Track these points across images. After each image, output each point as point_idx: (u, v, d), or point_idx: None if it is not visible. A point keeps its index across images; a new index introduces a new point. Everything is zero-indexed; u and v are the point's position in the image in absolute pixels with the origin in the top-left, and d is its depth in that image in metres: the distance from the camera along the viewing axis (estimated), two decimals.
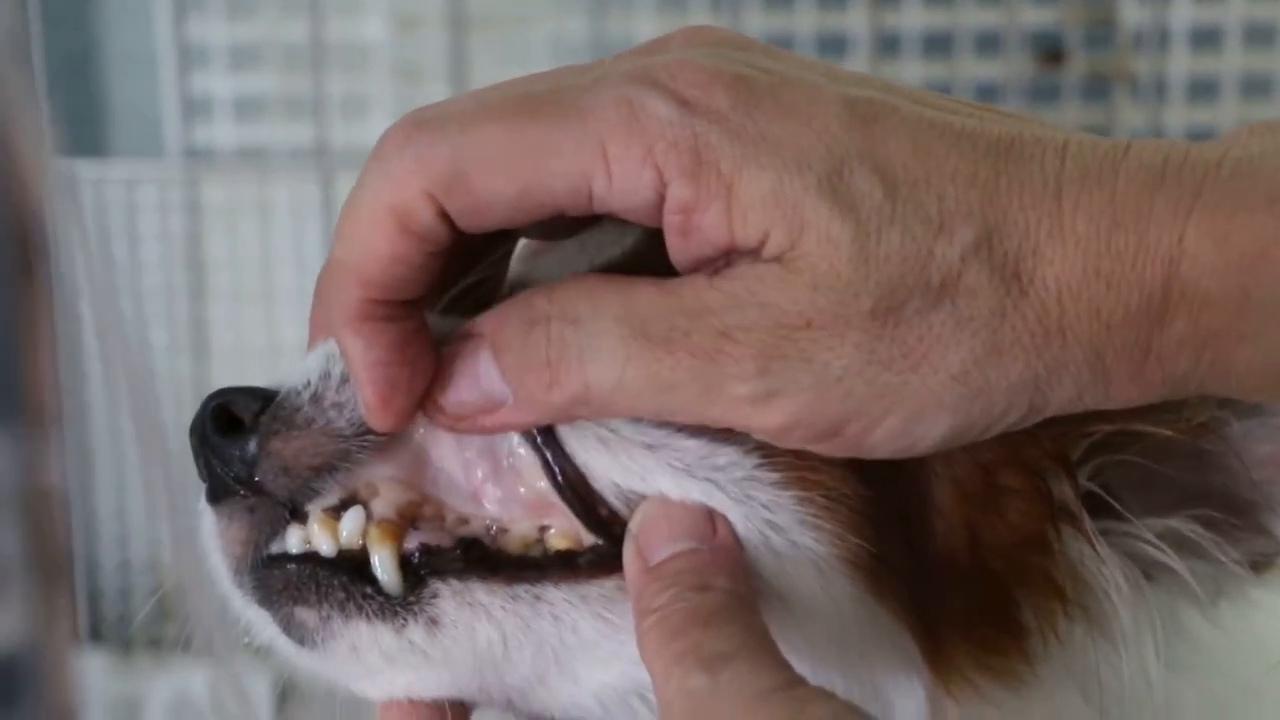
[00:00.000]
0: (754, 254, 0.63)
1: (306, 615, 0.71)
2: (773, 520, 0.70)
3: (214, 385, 0.80)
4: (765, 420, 0.64)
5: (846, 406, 0.63)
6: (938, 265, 0.62)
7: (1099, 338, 0.62)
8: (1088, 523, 0.73)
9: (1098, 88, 2.12)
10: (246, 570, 0.73)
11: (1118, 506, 0.74)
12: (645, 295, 0.65)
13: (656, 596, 0.66)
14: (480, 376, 0.67)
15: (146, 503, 1.84)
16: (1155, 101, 2.10)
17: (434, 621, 0.70)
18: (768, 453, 0.70)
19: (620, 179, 0.64)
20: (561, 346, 0.65)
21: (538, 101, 0.65)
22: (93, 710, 1.95)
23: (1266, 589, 0.78)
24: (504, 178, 0.64)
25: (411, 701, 0.72)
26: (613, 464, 0.70)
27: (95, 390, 2.05)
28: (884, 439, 0.64)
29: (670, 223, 0.64)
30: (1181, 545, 0.75)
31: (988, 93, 2.09)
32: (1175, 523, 0.74)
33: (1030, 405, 0.64)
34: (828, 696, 0.62)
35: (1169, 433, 0.72)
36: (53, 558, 0.36)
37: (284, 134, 2.10)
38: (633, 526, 0.69)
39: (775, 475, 0.70)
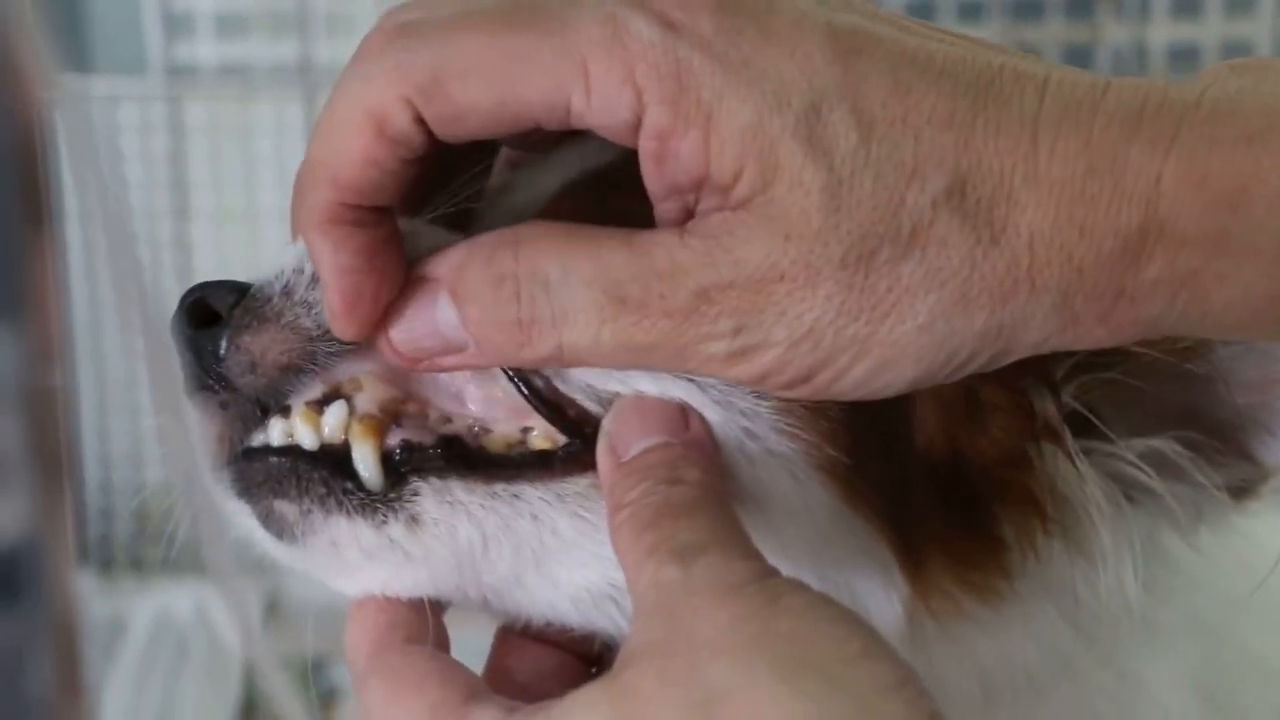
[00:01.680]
0: (725, 191, 0.63)
1: (286, 509, 0.71)
2: (750, 428, 0.70)
3: None
4: (740, 372, 0.64)
5: (816, 356, 0.64)
6: (909, 213, 0.62)
7: (1069, 283, 0.62)
8: (1069, 440, 0.73)
9: (1081, 4, 2.11)
10: (225, 463, 0.73)
11: (1100, 425, 0.74)
12: (616, 255, 0.65)
13: (629, 491, 0.66)
14: (438, 322, 0.67)
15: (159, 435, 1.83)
16: (1139, 17, 2.10)
17: (414, 519, 0.70)
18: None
19: (599, 97, 0.63)
20: (533, 309, 0.65)
21: (522, 13, 0.64)
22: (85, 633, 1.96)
23: (1246, 515, 0.79)
24: (483, 87, 0.64)
25: (386, 599, 0.72)
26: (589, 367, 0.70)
27: (78, 311, 2.05)
28: (851, 386, 0.65)
29: (646, 148, 0.64)
30: (1163, 468, 0.75)
31: (972, 9, 2.08)
32: (1158, 443, 0.75)
33: (994, 352, 0.64)
34: (801, 587, 0.62)
35: (1155, 354, 0.73)
36: (54, 454, 0.36)
37: (268, 51, 2.09)
38: (606, 423, 0.69)
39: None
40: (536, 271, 0.65)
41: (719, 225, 0.63)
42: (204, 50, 2.10)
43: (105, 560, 2.16)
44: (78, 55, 2.11)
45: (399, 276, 0.68)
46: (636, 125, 0.63)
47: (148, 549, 2.10)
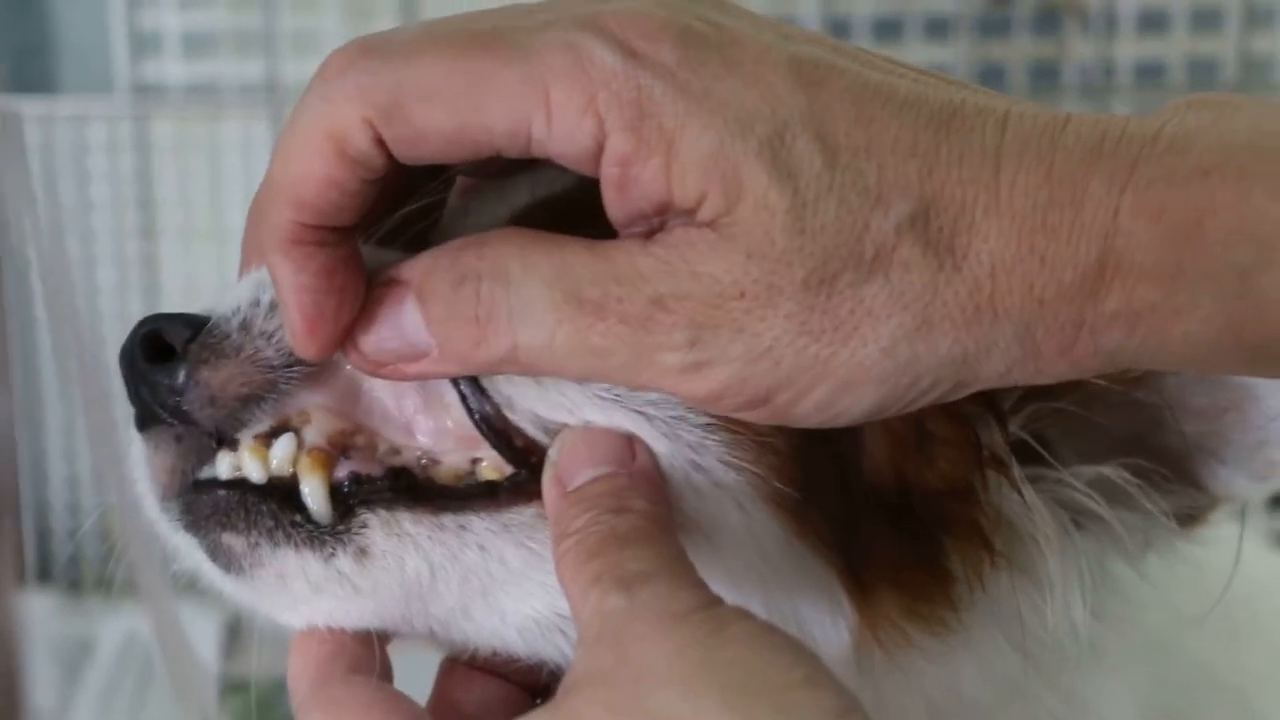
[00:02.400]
0: (689, 215, 0.63)
1: (234, 541, 0.71)
2: (697, 460, 0.70)
3: None
4: (694, 388, 0.64)
5: (775, 377, 0.63)
6: (872, 238, 0.62)
7: (1030, 313, 0.62)
8: (1016, 470, 0.73)
9: (1048, 21, 2.12)
10: (174, 496, 0.72)
11: (1046, 455, 0.74)
12: (578, 258, 0.65)
13: (574, 520, 0.66)
14: (404, 325, 0.67)
15: (92, 453, 1.83)
16: (1105, 34, 2.10)
17: (363, 551, 0.70)
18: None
19: (560, 124, 0.63)
20: (491, 305, 0.65)
21: (485, 38, 0.64)
22: (42, 651, 1.95)
23: (1194, 544, 0.79)
24: (444, 112, 0.64)
25: (331, 630, 0.71)
26: (539, 396, 0.70)
27: (44, 333, 2.04)
28: (811, 409, 0.64)
29: (608, 175, 0.64)
30: (1112, 495, 0.75)
31: (939, 26, 2.08)
32: (1107, 471, 0.75)
33: (957, 380, 0.64)
34: (745, 615, 0.62)
35: (1104, 382, 0.72)
36: None
37: (234, 70, 2.08)
38: (552, 453, 0.69)
39: (705, 418, 0.70)
40: (498, 269, 0.65)
41: (682, 238, 0.63)
42: (171, 69, 2.10)
43: (72, 581, 2.15)
44: (45, 74, 2.11)
45: (359, 296, 0.67)
46: (598, 153, 0.63)
47: (115, 570, 2.09)
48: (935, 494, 0.73)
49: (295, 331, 0.67)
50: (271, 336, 0.70)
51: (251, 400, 0.70)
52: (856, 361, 0.63)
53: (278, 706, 0.74)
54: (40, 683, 1.90)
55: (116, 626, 2.00)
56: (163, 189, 2.09)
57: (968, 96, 0.64)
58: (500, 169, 0.74)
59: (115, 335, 2.16)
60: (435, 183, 0.75)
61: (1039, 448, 0.74)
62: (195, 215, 2.07)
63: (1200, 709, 0.92)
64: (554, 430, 0.70)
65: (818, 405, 0.64)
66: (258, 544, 0.71)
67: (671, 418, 0.70)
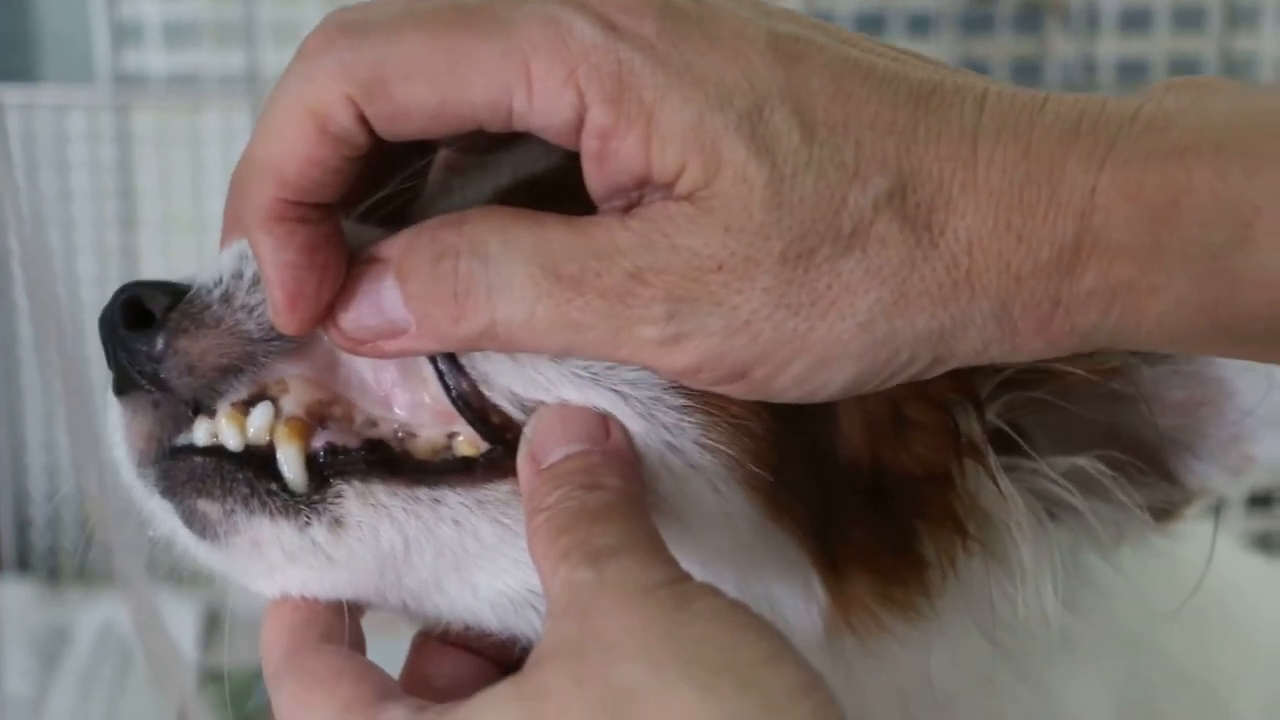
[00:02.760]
0: (668, 188, 0.63)
1: (209, 508, 0.71)
2: (672, 442, 0.70)
3: None
4: (673, 361, 0.64)
5: (753, 350, 0.64)
6: (850, 213, 0.62)
7: (1007, 290, 0.63)
8: (992, 458, 0.74)
9: (1030, 18, 2.12)
10: (150, 462, 0.73)
11: (1022, 444, 0.74)
12: (557, 233, 0.65)
13: (547, 496, 0.66)
14: (383, 302, 0.67)
15: (70, 442, 1.82)
16: (1087, 32, 2.11)
17: (337, 521, 0.70)
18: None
19: (541, 97, 0.63)
20: (470, 282, 0.65)
21: (465, 14, 0.64)
22: (21, 640, 1.94)
23: (1167, 537, 0.79)
24: (425, 87, 0.64)
25: (304, 599, 0.72)
26: (515, 373, 0.70)
27: (24, 322, 2.03)
28: (789, 383, 0.65)
29: (588, 148, 0.64)
30: (1087, 487, 0.76)
31: (921, 23, 2.08)
32: (1082, 462, 0.75)
33: (934, 356, 0.64)
34: (712, 591, 0.62)
35: (1081, 373, 0.73)
36: None
37: (215, 60, 2.08)
38: (527, 430, 0.70)
39: (682, 400, 0.70)
40: (477, 245, 0.65)
41: (660, 212, 0.64)
42: (152, 59, 2.09)
43: (51, 570, 2.15)
44: (26, 63, 2.11)
45: (341, 272, 0.68)
46: (578, 126, 0.64)
47: (94, 560, 2.09)
48: (911, 479, 0.74)
49: (277, 307, 0.67)
50: (253, 310, 0.70)
51: (230, 371, 0.70)
52: (834, 336, 0.63)
53: (254, 696, 0.75)
54: (18, 671, 1.90)
55: (94, 616, 2.00)
56: (143, 179, 2.09)
57: (946, 75, 0.65)
58: (484, 145, 0.75)
59: (96, 324, 2.16)
60: (418, 160, 0.75)
61: (1015, 436, 0.74)
62: (176, 205, 2.07)
63: (1172, 704, 0.93)
64: (530, 408, 0.70)
65: (795, 379, 0.64)
66: (233, 511, 0.71)
67: (648, 398, 0.70)
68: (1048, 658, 0.81)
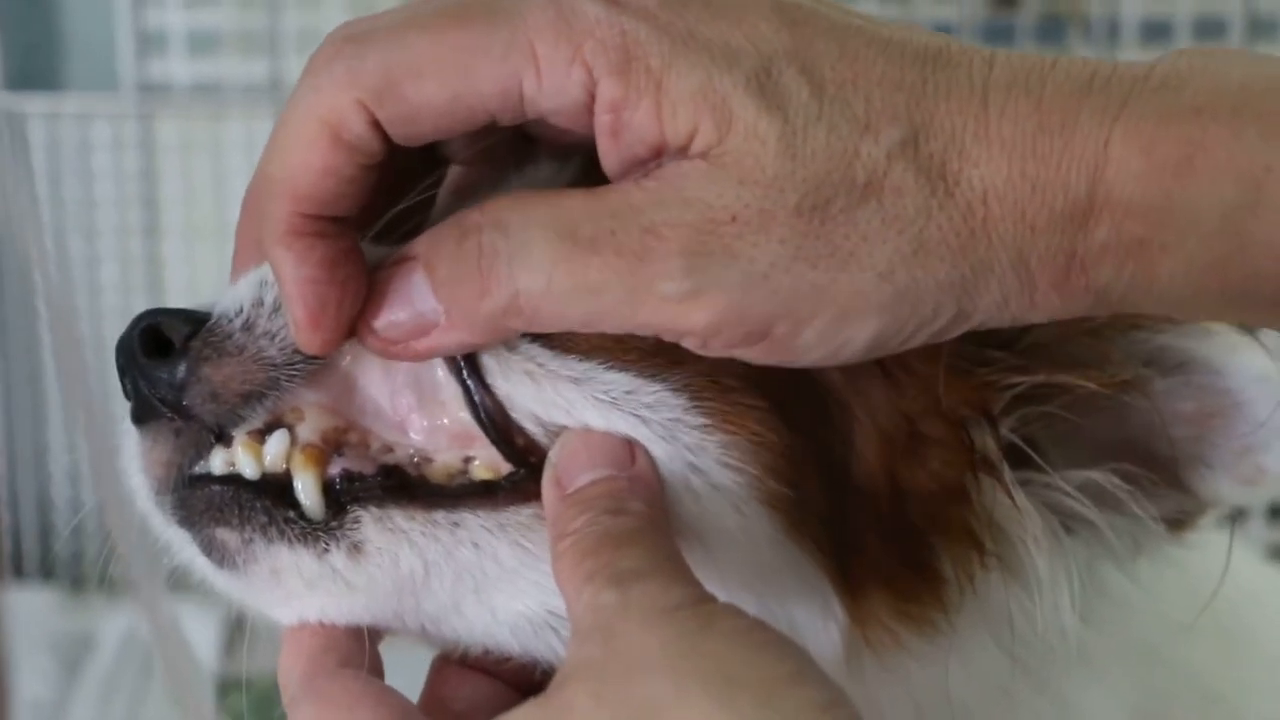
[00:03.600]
0: (682, 151, 0.63)
1: (227, 537, 0.71)
2: (694, 462, 0.70)
3: None
4: (693, 319, 0.64)
5: (773, 305, 0.63)
6: (864, 163, 0.62)
7: (1023, 240, 0.63)
8: (1007, 474, 0.73)
9: (1051, 29, 2.12)
10: (168, 490, 0.72)
11: (1037, 459, 0.74)
12: (573, 201, 0.65)
13: (573, 520, 0.66)
14: (413, 296, 0.67)
15: (89, 450, 1.83)
16: (1108, 43, 2.10)
17: (356, 548, 0.70)
18: (695, 395, 0.70)
19: (549, 78, 0.64)
20: (492, 255, 0.65)
21: (468, 9, 0.65)
22: (44, 646, 1.95)
23: (1183, 547, 0.79)
24: (435, 83, 0.64)
25: (322, 625, 0.72)
26: (537, 396, 0.70)
27: (47, 330, 2.04)
28: (813, 340, 0.64)
29: (601, 123, 0.64)
30: (1101, 500, 0.75)
31: (942, 32, 2.07)
32: (1096, 475, 0.75)
33: (957, 309, 0.64)
34: (735, 612, 0.62)
35: (1093, 386, 0.73)
36: None
37: (239, 69, 2.09)
38: (552, 455, 0.69)
39: (701, 419, 0.70)
40: (498, 221, 0.65)
41: (673, 170, 0.64)
42: (176, 68, 2.10)
43: (75, 578, 2.15)
44: (51, 72, 2.11)
45: (362, 287, 0.67)
46: (589, 103, 0.64)
47: (116, 568, 2.09)
48: (927, 495, 0.74)
49: (299, 325, 0.67)
50: (275, 336, 0.70)
51: (253, 397, 0.70)
52: (855, 288, 0.63)
53: (276, 705, 0.75)
54: (40, 678, 1.90)
55: (117, 623, 2.01)
56: (167, 187, 2.09)
57: (952, 42, 0.65)
58: (496, 160, 0.75)
59: (117, 333, 2.16)
60: (426, 181, 0.75)
61: (1029, 451, 0.74)
62: (199, 214, 2.07)
63: (1188, 717, 0.93)
64: (553, 431, 0.70)
65: (819, 336, 0.64)
66: (251, 540, 0.71)
67: (669, 420, 0.70)
68: (1064, 670, 0.80)
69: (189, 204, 2.08)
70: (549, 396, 0.70)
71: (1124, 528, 0.76)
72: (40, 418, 2.12)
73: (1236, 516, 0.83)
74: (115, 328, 0.73)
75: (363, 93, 0.64)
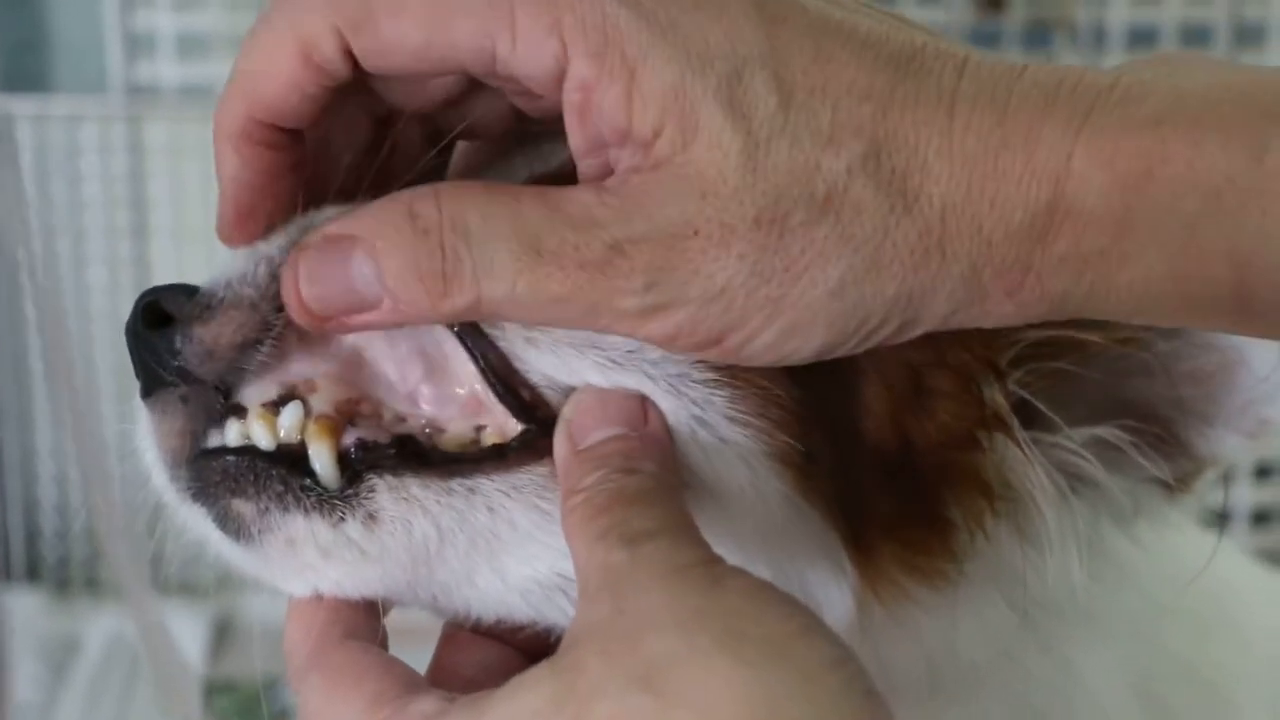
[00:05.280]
0: (645, 148, 0.64)
1: (244, 507, 0.72)
2: (701, 416, 0.71)
3: None
4: (650, 330, 0.65)
5: (728, 319, 0.64)
6: (824, 178, 0.63)
7: (978, 255, 0.63)
8: (1017, 427, 0.74)
9: (1038, 35, 2.13)
10: (183, 463, 0.73)
11: (1047, 412, 0.75)
12: (535, 210, 0.65)
13: (585, 477, 0.66)
14: (353, 278, 0.67)
15: (77, 453, 1.83)
16: (1094, 49, 2.11)
17: (371, 516, 0.71)
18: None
19: (524, 44, 0.64)
20: (456, 261, 0.65)
21: None
22: (30, 649, 1.95)
23: (1181, 509, 0.80)
24: (412, 25, 0.65)
25: (329, 599, 0.72)
26: (536, 357, 0.71)
27: (34, 332, 2.04)
28: (761, 349, 0.65)
29: (570, 101, 0.65)
30: (1104, 460, 0.76)
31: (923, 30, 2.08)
32: (1102, 431, 0.76)
33: (903, 320, 0.65)
34: (743, 572, 0.62)
35: (1100, 341, 0.74)
36: None
37: (227, 72, 2.08)
38: (566, 410, 0.70)
39: (708, 374, 0.70)
40: (458, 222, 0.65)
41: (636, 184, 0.64)
42: (165, 70, 2.10)
43: (61, 580, 2.15)
44: (39, 74, 2.11)
45: (294, 203, 0.70)
46: (559, 76, 0.64)
47: (103, 570, 2.09)
48: (935, 446, 0.74)
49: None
50: (263, 290, 0.71)
51: (248, 346, 0.71)
52: (805, 303, 0.64)
53: (261, 707, 0.75)
54: (27, 680, 1.90)
55: (103, 626, 2.00)
56: (155, 189, 2.09)
57: (929, 41, 0.65)
58: (500, 135, 0.75)
59: (106, 334, 2.17)
60: (434, 151, 0.76)
61: (1041, 406, 0.75)
62: (187, 216, 2.07)
63: (1178, 696, 0.93)
64: (560, 388, 0.71)
65: (767, 345, 0.65)
66: (267, 509, 0.71)
67: (674, 375, 0.70)
68: (1068, 631, 0.81)
69: (177, 206, 2.08)
70: (548, 359, 0.70)
71: (1125, 488, 0.77)
72: (27, 420, 2.12)
73: (1217, 518, 0.84)
74: (103, 330, 0.73)
75: (340, 19, 0.65)
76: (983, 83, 0.63)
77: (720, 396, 0.71)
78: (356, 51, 0.65)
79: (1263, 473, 2.22)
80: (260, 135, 0.68)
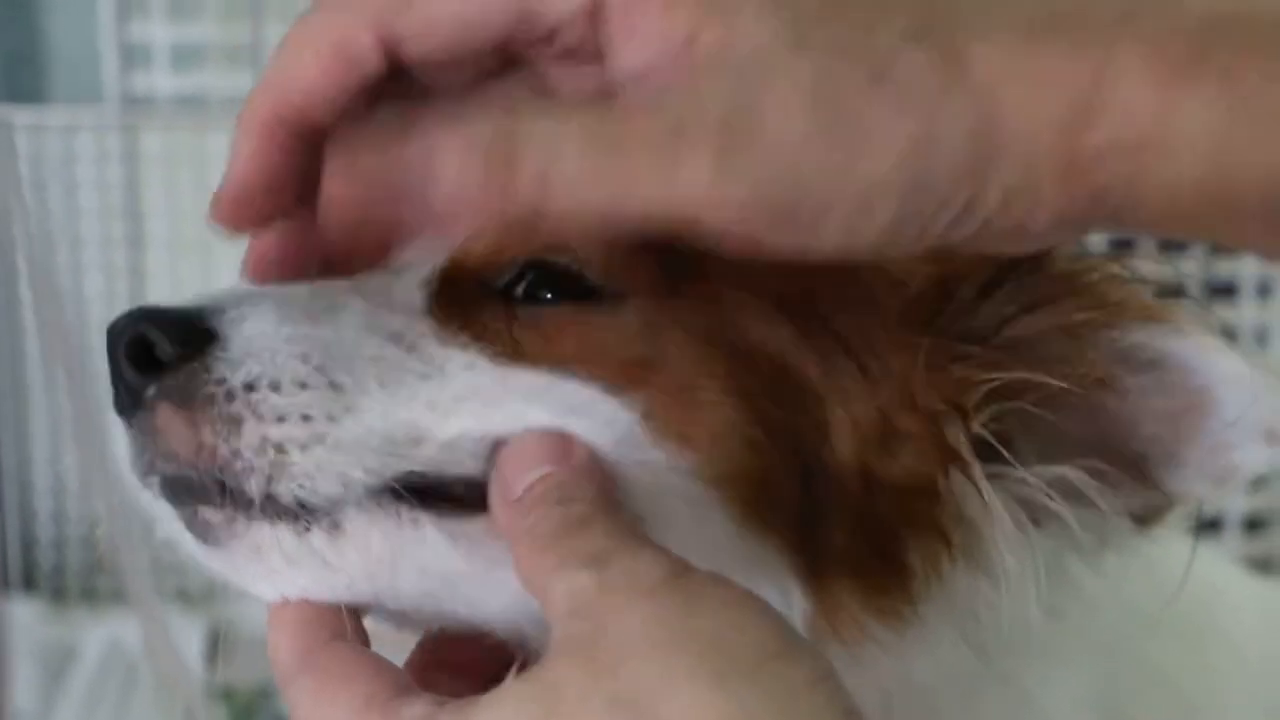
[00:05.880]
0: (690, 52, 0.65)
1: (211, 515, 0.73)
2: (624, 438, 0.72)
3: None
4: (727, 203, 0.64)
5: (799, 189, 0.64)
6: (873, 49, 0.64)
7: (1029, 132, 0.64)
8: (977, 469, 0.75)
9: None
10: (154, 472, 0.74)
11: (1006, 454, 0.75)
12: (592, 112, 0.66)
13: (524, 519, 0.67)
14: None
15: (79, 460, 1.83)
16: None
17: (336, 526, 0.72)
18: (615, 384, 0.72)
19: None
20: (512, 142, 0.65)
21: None
22: (27, 658, 1.95)
23: (1151, 542, 0.80)
24: None
25: (311, 602, 0.73)
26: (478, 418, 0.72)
27: (30, 340, 2.04)
28: (834, 229, 0.65)
29: (610, 29, 0.66)
30: (1071, 494, 0.76)
31: None
32: (1067, 471, 0.76)
33: (967, 201, 0.65)
34: (718, 581, 0.63)
35: (1064, 385, 0.74)
36: None
37: (223, 82, 2.09)
38: (494, 472, 0.71)
39: (639, 408, 0.72)
40: (523, 125, 0.66)
41: (680, 75, 0.65)
42: (160, 81, 2.10)
43: (57, 589, 2.15)
44: (35, 84, 2.11)
45: (289, 205, 0.71)
46: (592, 9, 0.66)
47: (99, 578, 2.09)
48: (898, 489, 0.75)
49: (218, 198, 0.71)
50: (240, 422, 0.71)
51: (206, 462, 0.72)
52: (874, 170, 0.64)
53: (257, 714, 0.75)
54: (24, 688, 1.90)
55: (100, 633, 2.00)
56: (151, 199, 2.09)
57: None
58: None
59: (101, 343, 2.16)
60: None
61: (1000, 447, 0.75)
62: (183, 225, 2.07)
63: (1149, 710, 0.94)
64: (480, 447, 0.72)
65: (839, 222, 0.65)
66: (234, 518, 0.72)
67: (584, 402, 0.72)
68: (1028, 664, 0.82)
69: (173, 215, 2.08)
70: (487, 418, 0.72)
71: (1092, 522, 0.77)
72: (22, 429, 2.12)
73: (1209, 525, 0.84)
74: (99, 337, 0.74)
75: (378, 8, 0.67)
76: None
77: (637, 418, 0.72)
78: (401, 32, 0.67)
79: (1255, 479, 2.21)
80: (281, 131, 0.69)
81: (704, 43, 0.64)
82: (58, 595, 2.14)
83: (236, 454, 0.71)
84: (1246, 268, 2.03)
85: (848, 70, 0.64)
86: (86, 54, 2.09)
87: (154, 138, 2.09)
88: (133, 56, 2.08)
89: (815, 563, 0.74)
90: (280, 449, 0.70)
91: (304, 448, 0.71)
